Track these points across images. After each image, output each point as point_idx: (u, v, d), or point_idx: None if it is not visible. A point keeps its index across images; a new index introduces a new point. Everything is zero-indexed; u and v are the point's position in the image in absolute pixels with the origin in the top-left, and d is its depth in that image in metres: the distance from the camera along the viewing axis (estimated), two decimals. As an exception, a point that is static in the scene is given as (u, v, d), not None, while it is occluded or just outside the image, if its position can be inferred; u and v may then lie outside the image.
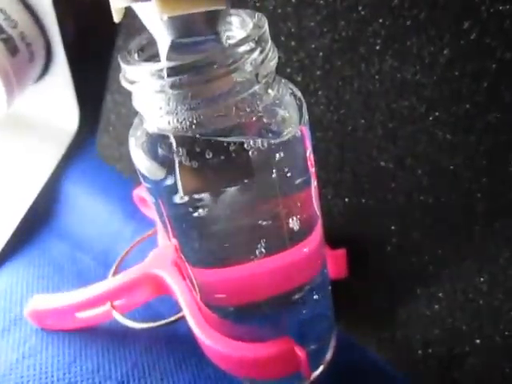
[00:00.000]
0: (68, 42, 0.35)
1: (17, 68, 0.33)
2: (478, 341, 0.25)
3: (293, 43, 0.27)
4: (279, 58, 0.27)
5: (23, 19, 0.33)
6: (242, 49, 0.16)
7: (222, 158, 0.17)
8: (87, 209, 0.38)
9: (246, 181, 0.17)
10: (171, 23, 0.16)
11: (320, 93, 0.27)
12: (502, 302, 0.24)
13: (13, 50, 0.32)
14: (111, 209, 0.37)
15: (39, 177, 0.39)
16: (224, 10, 0.16)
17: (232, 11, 0.18)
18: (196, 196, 0.18)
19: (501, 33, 0.21)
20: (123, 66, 0.16)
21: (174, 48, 0.16)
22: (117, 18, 0.16)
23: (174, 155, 0.17)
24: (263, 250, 0.19)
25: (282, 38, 0.27)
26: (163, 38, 0.16)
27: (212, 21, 0.16)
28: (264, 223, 0.19)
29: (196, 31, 0.16)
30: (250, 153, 0.17)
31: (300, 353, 0.22)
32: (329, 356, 0.26)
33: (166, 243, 0.29)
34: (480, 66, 0.22)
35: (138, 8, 0.15)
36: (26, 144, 0.41)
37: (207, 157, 0.16)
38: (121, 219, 0.37)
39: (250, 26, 0.17)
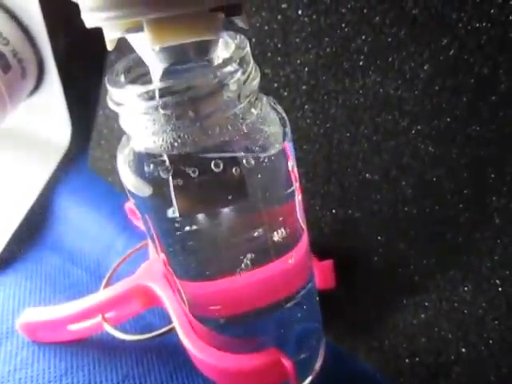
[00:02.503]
0: (60, 57, 0.36)
1: (9, 84, 0.33)
2: (463, 349, 0.26)
3: (279, 59, 0.27)
4: (266, 73, 0.28)
5: (15, 36, 0.33)
6: (225, 70, 0.16)
7: (217, 180, 0.17)
8: (79, 221, 0.38)
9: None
10: (163, 52, 0.16)
11: (306, 107, 0.27)
12: (485, 311, 0.25)
13: (5, 67, 0.32)
14: (103, 221, 0.38)
15: (32, 190, 0.39)
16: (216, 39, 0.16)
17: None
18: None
19: (478, 49, 0.22)
20: (109, 88, 0.17)
21: (167, 73, 0.16)
22: (110, 47, 0.16)
23: (166, 174, 0.17)
24: (249, 262, 0.20)
25: (269, 54, 0.28)
26: (155, 66, 0.16)
27: (204, 49, 0.17)
28: (249, 237, 0.19)
29: (188, 59, 0.16)
30: (234, 170, 0.17)
31: (287, 364, 0.22)
32: (317, 366, 0.26)
33: (157, 255, 0.29)
34: (459, 81, 0.23)
35: (130, 38, 0.16)
36: (18, 158, 0.41)
37: (195, 176, 0.17)
38: (113, 231, 0.37)
39: (233, 47, 0.17)
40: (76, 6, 0.15)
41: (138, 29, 0.14)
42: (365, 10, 0.24)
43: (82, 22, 0.15)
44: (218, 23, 0.15)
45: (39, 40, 0.34)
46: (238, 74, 0.16)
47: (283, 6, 0.26)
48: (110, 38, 0.15)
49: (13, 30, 0.33)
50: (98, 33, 0.16)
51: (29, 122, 0.40)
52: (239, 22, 0.16)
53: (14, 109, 0.36)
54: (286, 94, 0.28)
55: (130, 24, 0.15)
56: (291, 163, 0.20)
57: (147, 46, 0.15)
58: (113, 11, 0.14)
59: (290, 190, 0.20)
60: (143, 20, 0.14)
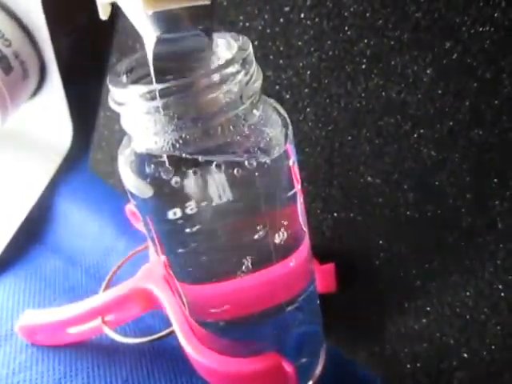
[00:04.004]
0: (61, 59, 0.36)
1: (11, 86, 0.33)
2: (465, 355, 0.26)
3: (281, 62, 0.27)
4: (268, 76, 0.28)
5: (17, 38, 0.33)
6: (227, 71, 0.16)
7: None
8: (80, 223, 0.38)
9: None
10: (156, 18, 0.15)
11: (308, 110, 0.27)
12: (488, 317, 0.24)
13: (7, 69, 0.32)
14: (103, 223, 0.38)
15: (32, 192, 0.39)
16: (210, 6, 0.16)
17: (217, 34, 0.18)
18: (187, 212, 0.18)
19: (481, 53, 0.22)
20: (111, 88, 0.16)
21: (161, 44, 0.16)
22: (103, 14, 0.15)
23: (167, 175, 0.17)
24: (250, 265, 0.20)
25: (271, 57, 0.28)
26: (149, 34, 0.16)
27: (197, 16, 0.16)
28: (250, 239, 0.19)
29: (182, 26, 0.16)
30: (235, 171, 0.17)
31: (288, 368, 0.22)
32: (318, 371, 0.26)
33: (157, 258, 0.29)
34: (462, 84, 0.22)
35: (123, 3, 0.15)
36: (19, 159, 0.41)
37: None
38: (113, 234, 0.37)
39: (235, 48, 0.17)
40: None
41: None
42: (367, 14, 0.24)
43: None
44: None
45: (41, 42, 0.34)
46: (241, 75, 0.16)
47: (286, 8, 0.26)
48: (103, 2, 0.15)
49: (15, 31, 0.33)
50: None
51: (30, 123, 0.40)
52: None
53: (16, 110, 0.36)
54: (288, 96, 0.28)
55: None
56: (293, 165, 0.20)
57: (140, 12, 0.15)
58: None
59: (291, 192, 0.20)
60: None
